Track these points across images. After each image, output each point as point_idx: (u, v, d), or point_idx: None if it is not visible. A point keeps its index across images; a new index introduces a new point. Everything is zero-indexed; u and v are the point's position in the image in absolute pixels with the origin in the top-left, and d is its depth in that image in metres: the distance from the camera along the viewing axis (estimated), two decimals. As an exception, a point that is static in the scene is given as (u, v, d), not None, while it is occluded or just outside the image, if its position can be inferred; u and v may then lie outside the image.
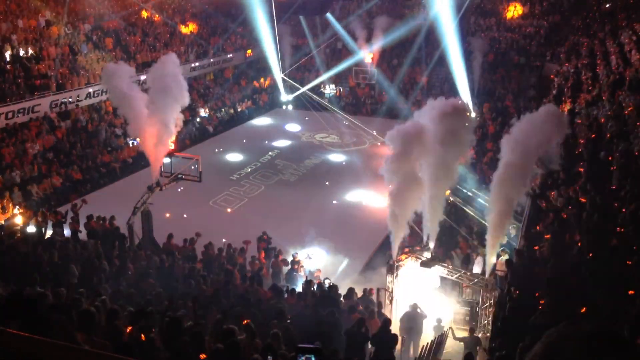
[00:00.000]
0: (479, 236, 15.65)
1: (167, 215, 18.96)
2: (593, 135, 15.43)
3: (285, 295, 12.43)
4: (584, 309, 7.39)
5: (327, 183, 23.68)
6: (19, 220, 17.13)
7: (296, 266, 15.19)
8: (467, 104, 26.31)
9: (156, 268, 13.09)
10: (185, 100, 16.40)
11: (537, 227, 13.42)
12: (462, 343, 11.82)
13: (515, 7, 37.36)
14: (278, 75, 35.11)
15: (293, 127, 32.28)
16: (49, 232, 16.82)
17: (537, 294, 9.50)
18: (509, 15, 37.17)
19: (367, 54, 35.77)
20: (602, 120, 15.84)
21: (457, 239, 16.07)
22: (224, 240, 16.52)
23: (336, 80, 37.08)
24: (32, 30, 27.46)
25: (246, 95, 36.61)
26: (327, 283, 13.49)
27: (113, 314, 6.13)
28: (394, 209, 13.09)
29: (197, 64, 35.26)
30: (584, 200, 12.05)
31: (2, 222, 17.33)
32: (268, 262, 15.80)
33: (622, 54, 20.58)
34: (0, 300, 5.20)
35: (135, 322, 6.42)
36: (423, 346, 11.73)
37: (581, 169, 14.21)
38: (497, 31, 37.30)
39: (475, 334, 11.95)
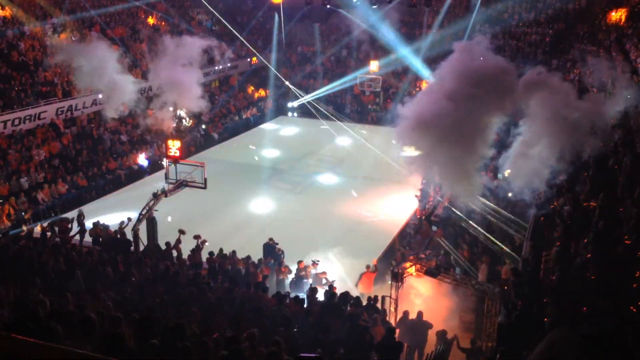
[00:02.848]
0: (484, 244, 15.60)
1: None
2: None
3: (288, 301, 12.37)
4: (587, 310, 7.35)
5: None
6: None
7: (302, 273, 15.18)
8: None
9: (161, 275, 13.07)
10: None
11: (543, 235, 13.37)
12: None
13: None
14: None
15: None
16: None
17: (542, 303, 9.45)
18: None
19: (372, 62, 35.80)
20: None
21: (461, 247, 16.01)
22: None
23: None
24: (39, 37, 27.65)
25: (251, 103, 36.75)
26: (330, 286, 13.48)
27: (115, 322, 6.12)
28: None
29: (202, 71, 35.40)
30: (591, 206, 12.00)
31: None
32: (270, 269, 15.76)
33: (628, 62, 20.54)
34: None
35: (139, 329, 6.41)
36: (427, 354, 11.67)
37: (586, 177, 14.16)
38: (502, 39, 37.30)
39: (477, 345, 11.88)
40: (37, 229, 17.43)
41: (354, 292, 14.20)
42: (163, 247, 16.28)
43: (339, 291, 12.95)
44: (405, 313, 12.59)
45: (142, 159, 26.36)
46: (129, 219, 17.08)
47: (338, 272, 16.43)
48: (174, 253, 15.81)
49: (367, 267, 15.72)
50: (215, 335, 6.96)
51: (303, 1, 37.02)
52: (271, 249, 16.50)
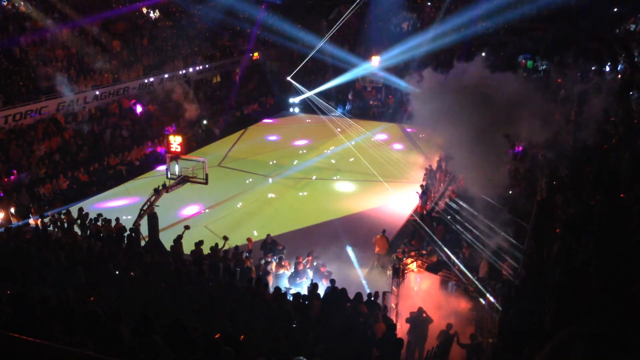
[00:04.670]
0: (484, 240, 15.56)
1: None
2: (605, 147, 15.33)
3: (290, 298, 12.40)
4: (590, 310, 7.34)
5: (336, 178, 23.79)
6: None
7: (300, 267, 15.20)
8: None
9: (162, 271, 13.09)
10: None
11: (544, 232, 13.34)
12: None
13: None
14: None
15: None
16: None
17: (543, 299, 9.43)
18: None
19: (374, 57, 35.71)
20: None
21: (461, 243, 15.97)
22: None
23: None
24: (40, 32, 27.61)
25: (253, 98, 36.72)
26: (331, 280, 13.49)
27: (116, 317, 6.13)
28: None
29: (204, 66, 35.41)
30: (592, 203, 11.97)
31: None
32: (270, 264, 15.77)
33: (630, 58, 20.48)
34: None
35: (140, 325, 6.42)
36: (428, 350, 11.67)
37: (588, 174, 14.13)
38: (505, 34, 37.21)
39: (478, 341, 11.87)
40: (37, 222, 17.51)
41: (358, 287, 14.22)
42: (166, 242, 16.33)
43: (342, 284, 12.95)
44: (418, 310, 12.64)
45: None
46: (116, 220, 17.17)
47: (340, 265, 16.42)
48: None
49: (383, 231, 17.15)
50: (217, 336, 6.97)
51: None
52: (271, 245, 16.51)
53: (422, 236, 16.72)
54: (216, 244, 15.91)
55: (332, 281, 13.57)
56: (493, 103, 14.01)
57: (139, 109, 29.17)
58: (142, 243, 16.72)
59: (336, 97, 36.59)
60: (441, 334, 12.10)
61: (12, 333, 2.89)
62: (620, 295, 7.67)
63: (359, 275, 16.15)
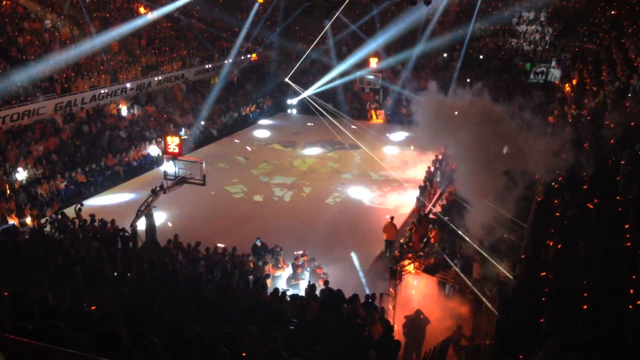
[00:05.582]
0: (481, 241, 15.56)
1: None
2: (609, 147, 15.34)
3: (288, 299, 12.39)
4: (586, 313, 7.34)
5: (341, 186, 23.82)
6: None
7: (299, 270, 15.20)
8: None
9: (159, 271, 13.07)
10: None
11: (543, 234, 13.35)
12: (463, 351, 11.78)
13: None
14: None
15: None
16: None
17: (540, 302, 9.44)
18: None
19: (372, 59, 35.71)
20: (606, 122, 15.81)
21: (459, 245, 15.98)
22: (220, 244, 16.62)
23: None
24: (38, 32, 27.55)
25: (251, 99, 36.70)
26: (326, 282, 13.52)
27: (114, 318, 6.12)
28: None
29: (201, 67, 35.38)
30: (590, 206, 11.98)
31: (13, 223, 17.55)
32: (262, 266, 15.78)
33: (627, 60, 20.51)
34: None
35: (136, 325, 6.40)
36: (426, 352, 11.68)
37: (586, 177, 14.13)
38: (503, 37, 37.27)
39: (475, 343, 11.89)
40: (34, 223, 17.48)
41: (357, 288, 14.22)
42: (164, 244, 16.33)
43: (342, 286, 12.95)
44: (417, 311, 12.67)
45: (153, 149, 26.64)
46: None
47: (340, 267, 16.43)
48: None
49: (392, 218, 17.85)
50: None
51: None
52: (261, 248, 16.49)
53: (419, 237, 16.73)
54: (215, 246, 15.93)
55: (326, 282, 13.58)
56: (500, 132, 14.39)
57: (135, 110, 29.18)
58: (139, 244, 16.72)
59: (334, 98, 36.55)
60: (439, 335, 12.14)
61: (9, 335, 2.89)
62: (617, 298, 7.68)
63: (360, 276, 16.12)
